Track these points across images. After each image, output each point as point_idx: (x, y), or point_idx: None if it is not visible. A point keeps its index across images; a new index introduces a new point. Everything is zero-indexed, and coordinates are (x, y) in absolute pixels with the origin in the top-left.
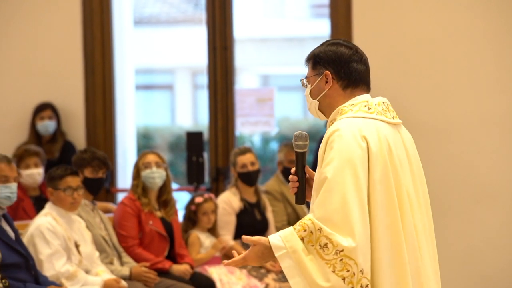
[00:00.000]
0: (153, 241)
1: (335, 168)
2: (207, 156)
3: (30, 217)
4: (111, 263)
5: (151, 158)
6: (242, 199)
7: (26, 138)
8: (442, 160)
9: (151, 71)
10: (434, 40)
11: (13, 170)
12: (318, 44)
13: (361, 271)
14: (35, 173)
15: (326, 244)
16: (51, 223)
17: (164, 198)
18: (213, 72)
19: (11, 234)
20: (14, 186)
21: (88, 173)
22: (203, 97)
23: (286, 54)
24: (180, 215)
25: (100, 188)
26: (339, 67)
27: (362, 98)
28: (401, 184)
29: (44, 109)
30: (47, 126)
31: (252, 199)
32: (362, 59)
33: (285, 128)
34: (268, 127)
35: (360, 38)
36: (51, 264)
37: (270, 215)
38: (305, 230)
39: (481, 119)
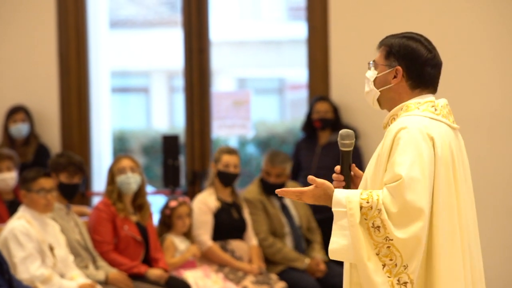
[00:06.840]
0: (128, 246)
1: (408, 166)
2: (183, 159)
3: (4, 221)
4: (86, 267)
5: (125, 163)
6: (219, 199)
7: None
8: None
9: (127, 73)
10: None
11: None
12: (393, 34)
13: (404, 266)
14: (8, 178)
15: (378, 227)
16: (24, 226)
17: (139, 202)
18: (189, 75)
19: None
20: None
21: (63, 178)
22: (179, 100)
23: (263, 57)
24: (156, 219)
25: (75, 193)
26: (413, 67)
27: (428, 98)
28: (459, 193)
29: (17, 111)
30: (20, 129)
31: (229, 199)
32: (437, 64)
33: (261, 131)
34: (245, 130)
35: (337, 41)
36: (25, 267)
37: (247, 215)
38: (367, 202)
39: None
